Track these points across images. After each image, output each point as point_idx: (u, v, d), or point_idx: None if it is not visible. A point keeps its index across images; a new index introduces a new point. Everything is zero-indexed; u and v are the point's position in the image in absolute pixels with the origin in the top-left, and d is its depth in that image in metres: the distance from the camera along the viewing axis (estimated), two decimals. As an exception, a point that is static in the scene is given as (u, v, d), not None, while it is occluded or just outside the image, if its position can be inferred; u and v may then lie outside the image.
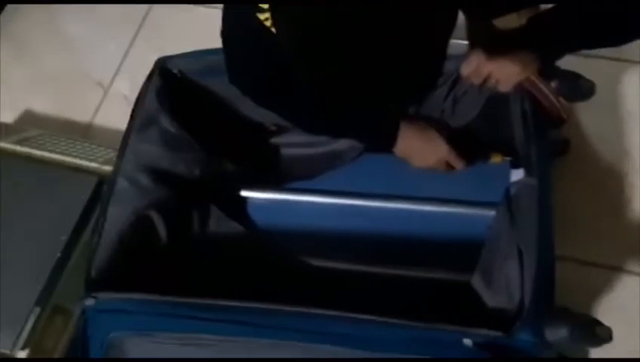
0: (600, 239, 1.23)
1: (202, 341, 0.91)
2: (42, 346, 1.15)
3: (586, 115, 1.33)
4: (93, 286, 0.98)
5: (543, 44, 0.94)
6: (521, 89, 0.98)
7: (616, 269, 1.21)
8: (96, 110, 1.61)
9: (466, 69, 0.98)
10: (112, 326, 0.95)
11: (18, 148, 1.37)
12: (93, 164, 1.29)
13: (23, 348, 1.12)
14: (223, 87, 1.16)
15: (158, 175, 1.09)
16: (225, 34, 0.97)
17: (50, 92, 1.66)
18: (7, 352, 1.12)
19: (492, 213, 1.05)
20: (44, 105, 1.65)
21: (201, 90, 1.19)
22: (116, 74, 1.65)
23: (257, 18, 0.84)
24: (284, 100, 1.02)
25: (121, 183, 1.07)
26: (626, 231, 1.24)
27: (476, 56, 0.96)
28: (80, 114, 1.61)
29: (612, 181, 1.29)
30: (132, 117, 1.14)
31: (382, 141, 1.04)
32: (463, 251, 1.04)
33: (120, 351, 0.95)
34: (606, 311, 1.14)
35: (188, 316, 0.92)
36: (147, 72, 1.62)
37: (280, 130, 1.24)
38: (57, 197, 1.23)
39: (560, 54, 0.99)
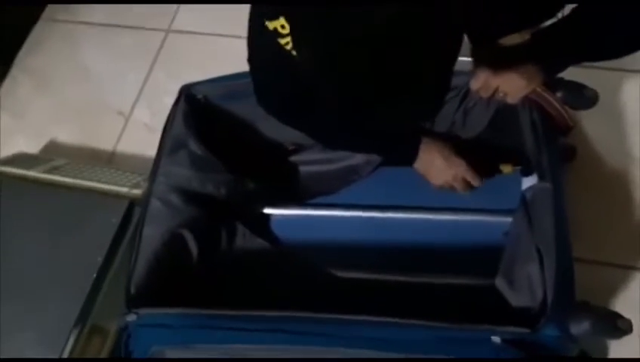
0: (611, 240, 1.28)
1: (241, 351, 0.96)
2: (82, 365, 1.20)
3: (590, 122, 1.39)
4: (133, 302, 1.03)
5: (547, 57, 0.98)
6: (528, 100, 1.04)
7: (629, 268, 1.26)
8: (119, 138, 1.67)
9: (475, 84, 1.04)
10: (154, 340, 0.99)
11: (48, 176, 1.42)
12: (123, 189, 1.35)
13: (64, 368, 1.17)
14: (244, 110, 1.23)
15: (189, 195, 1.15)
16: (251, 59, 1.04)
17: (72, 122, 1.73)
18: (49, 372, 1.17)
19: (507, 219, 1.10)
20: (67, 135, 1.71)
21: (224, 114, 1.26)
22: (136, 102, 1.72)
23: (278, 43, 0.89)
24: (307, 119, 1.09)
25: (154, 204, 1.13)
26: (635, 231, 1.30)
27: (484, 71, 1.02)
28: (103, 142, 1.67)
29: (618, 184, 1.35)
30: (161, 141, 1.20)
31: (404, 156, 1.10)
32: (482, 257, 1.09)
33: None
34: (623, 309, 1.18)
35: (226, 327, 0.97)
36: (166, 99, 1.70)
37: (298, 149, 1.30)
38: (91, 222, 1.28)
39: (564, 67, 1.04)
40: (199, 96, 1.24)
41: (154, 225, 1.11)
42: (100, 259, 1.23)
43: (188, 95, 1.24)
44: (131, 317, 1.00)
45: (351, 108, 0.99)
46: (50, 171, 1.45)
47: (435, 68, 0.98)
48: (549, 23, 0.99)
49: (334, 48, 0.83)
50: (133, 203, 1.30)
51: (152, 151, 1.59)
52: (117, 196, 1.33)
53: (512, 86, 1.00)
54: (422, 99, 1.04)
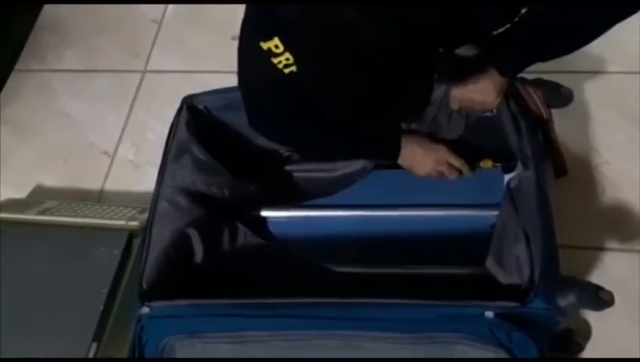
0: (582, 225, 1.38)
1: (250, 338, 1.01)
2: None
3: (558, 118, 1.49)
4: (145, 296, 1.07)
5: (506, 60, 1.06)
6: (512, 90, 1.12)
7: (603, 249, 1.35)
8: (106, 177, 1.72)
9: (454, 105, 1.14)
10: (166, 331, 1.04)
11: (43, 217, 1.46)
12: (120, 222, 1.39)
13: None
14: (242, 120, 1.24)
15: (194, 196, 1.20)
16: (242, 81, 1.09)
17: (58, 167, 1.76)
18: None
19: (493, 213, 1.17)
20: (53, 180, 1.74)
21: (224, 123, 1.31)
22: (119, 142, 1.77)
23: (271, 62, 0.92)
24: (296, 136, 1.16)
25: (162, 205, 1.18)
26: (604, 215, 1.40)
27: (456, 91, 1.11)
28: (90, 182, 1.71)
29: (584, 173, 1.45)
30: (166, 147, 1.26)
31: (389, 154, 1.18)
32: (472, 248, 1.15)
33: (173, 353, 1.03)
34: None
35: (234, 315, 1.02)
36: (149, 136, 1.77)
37: (293, 156, 1.37)
38: (92, 256, 1.32)
39: (522, 68, 1.11)
40: (200, 107, 1.30)
41: (162, 224, 1.16)
42: (105, 291, 1.27)
43: (189, 105, 1.29)
44: (144, 310, 1.05)
45: (347, 115, 1.05)
46: (43, 213, 1.49)
47: (422, 72, 1.05)
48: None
49: (333, 64, 0.88)
50: (132, 234, 1.35)
51: (140, 186, 1.66)
52: (115, 230, 1.37)
53: (485, 97, 1.09)
54: (412, 102, 1.12)
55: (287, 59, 0.92)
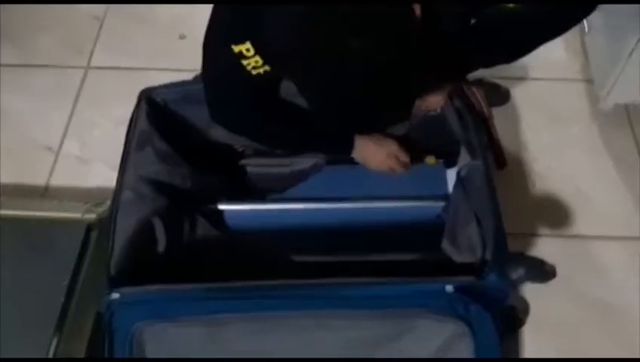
0: (517, 213, 1.48)
1: (222, 320, 1.04)
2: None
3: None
4: (114, 283, 1.08)
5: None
6: (457, 89, 1.22)
7: (535, 235, 1.49)
8: (50, 173, 1.69)
9: None
10: (136, 317, 1.05)
11: (-9, 211, 1.42)
12: (76, 215, 1.38)
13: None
14: (198, 113, 1.29)
15: (158, 186, 1.22)
16: (207, 78, 1.15)
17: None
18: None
19: (438, 204, 1.29)
20: (-6, 176, 1.70)
21: (181, 115, 1.34)
22: (64, 137, 1.75)
23: (241, 64, 1.00)
24: (257, 129, 1.22)
25: (126, 194, 1.18)
26: (535, 205, 1.55)
27: None
28: (34, 179, 1.68)
29: (516, 168, 1.61)
30: (127, 137, 1.26)
31: (342, 148, 1.26)
32: (421, 235, 1.23)
33: (144, 338, 1.05)
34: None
35: (206, 298, 1.05)
36: (95, 132, 1.76)
37: (247, 152, 1.42)
38: (51, 249, 1.31)
39: (467, 74, 1.24)
40: (158, 100, 1.32)
41: (127, 213, 1.17)
42: (65, 284, 1.26)
43: (148, 98, 1.31)
44: (114, 296, 1.05)
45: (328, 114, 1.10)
46: (-7, 207, 1.45)
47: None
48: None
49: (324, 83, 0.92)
50: (90, 227, 1.35)
51: (87, 182, 1.65)
52: (72, 222, 1.36)
53: (433, 101, 1.20)
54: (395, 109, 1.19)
55: (257, 61, 1.00)
